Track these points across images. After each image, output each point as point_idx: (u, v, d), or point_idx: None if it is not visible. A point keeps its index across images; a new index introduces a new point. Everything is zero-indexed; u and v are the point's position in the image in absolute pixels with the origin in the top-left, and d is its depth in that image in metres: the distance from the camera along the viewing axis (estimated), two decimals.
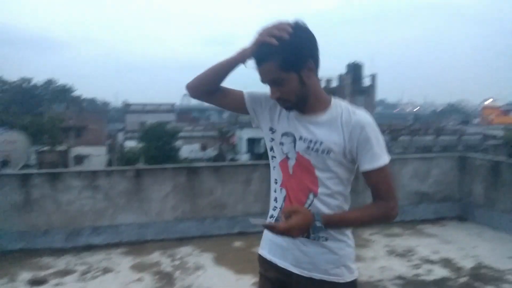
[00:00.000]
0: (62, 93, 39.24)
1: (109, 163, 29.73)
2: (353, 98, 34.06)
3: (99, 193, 5.11)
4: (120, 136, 38.90)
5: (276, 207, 1.53)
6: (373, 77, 36.36)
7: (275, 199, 1.55)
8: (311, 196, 1.44)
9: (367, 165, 1.38)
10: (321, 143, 1.39)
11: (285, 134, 1.47)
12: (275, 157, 1.53)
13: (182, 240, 5.21)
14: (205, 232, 5.42)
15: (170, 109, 44.80)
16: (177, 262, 4.55)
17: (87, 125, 33.62)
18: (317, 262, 1.46)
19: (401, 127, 31.92)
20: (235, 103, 1.58)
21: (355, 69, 35.95)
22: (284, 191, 1.51)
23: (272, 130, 1.52)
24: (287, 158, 1.48)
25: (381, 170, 1.38)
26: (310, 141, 1.41)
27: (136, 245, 5.06)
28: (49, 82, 39.48)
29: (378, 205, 1.42)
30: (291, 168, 1.47)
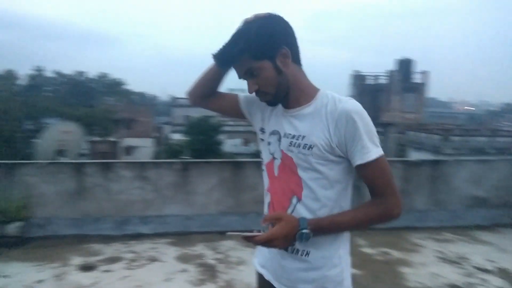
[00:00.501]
0: (114, 87, 41.00)
1: (156, 155, 30.74)
2: (403, 95, 32.86)
3: (148, 184, 5.25)
4: (167, 129, 40.08)
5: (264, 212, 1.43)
6: (425, 74, 34.83)
7: (265, 206, 1.45)
8: (294, 200, 1.30)
9: (358, 160, 1.21)
10: (303, 137, 1.26)
11: (272, 132, 1.38)
12: (262, 159, 1.44)
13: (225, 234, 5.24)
14: (247, 227, 5.35)
15: None
16: (220, 256, 4.59)
17: (136, 118, 34.88)
18: (295, 279, 1.31)
19: (452, 127, 30.40)
20: (232, 106, 1.51)
21: (405, 65, 34.58)
22: (269, 196, 1.40)
23: (262, 130, 1.43)
24: (274, 158, 1.37)
25: (375, 163, 1.21)
26: (293, 136, 1.29)
27: (181, 236, 5.17)
28: (101, 76, 41.39)
29: (376, 203, 1.23)
30: (276, 169, 1.36)
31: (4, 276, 3.98)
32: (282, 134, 1.33)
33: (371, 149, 1.20)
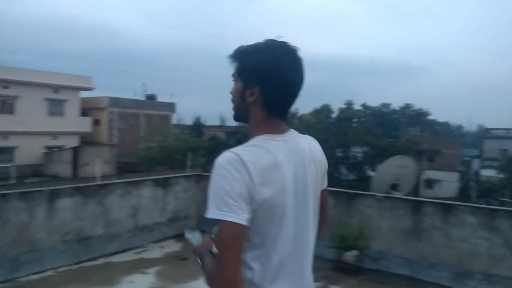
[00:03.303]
0: (418, 117, 40.34)
1: (461, 191, 27.71)
2: None
3: (497, 236, 4.37)
4: (475, 163, 35.71)
5: None
6: None
7: None
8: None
9: None
10: None
11: None
12: None
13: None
14: None
15: None
16: None
17: (440, 149, 32.83)
18: None
19: None
20: None
21: None
22: None
23: None
24: None
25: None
26: None
27: None
28: (406, 107, 41.62)
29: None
30: None
31: None
32: None
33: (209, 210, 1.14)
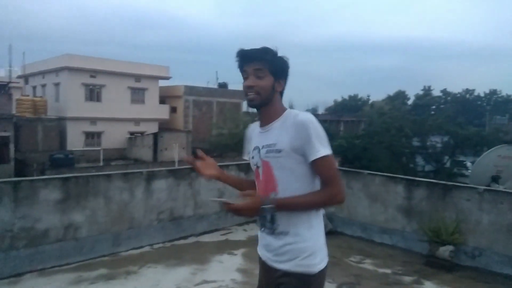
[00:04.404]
0: (505, 104, 36.79)
1: None
2: None
3: None
4: None
5: None
6: None
7: None
8: (272, 195, 1.75)
9: (310, 157, 1.68)
10: (274, 144, 1.74)
11: (254, 148, 1.86)
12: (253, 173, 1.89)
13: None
14: None
15: None
16: None
17: None
18: (276, 254, 1.77)
19: None
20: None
21: None
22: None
23: (249, 153, 1.92)
24: (257, 167, 1.83)
25: (322, 160, 1.67)
26: (269, 145, 1.77)
27: None
28: (492, 93, 38.12)
29: (324, 190, 1.72)
30: (260, 174, 1.82)
31: None
32: (260, 147, 1.81)
33: (319, 150, 1.67)
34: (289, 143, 1.70)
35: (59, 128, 23.83)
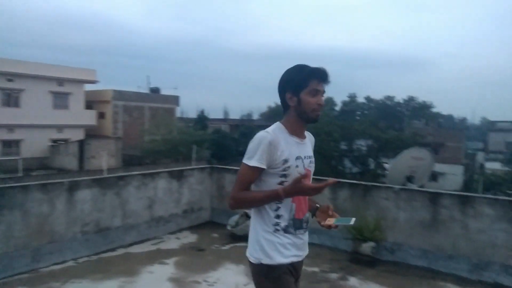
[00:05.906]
0: (421, 110, 40.25)
1: (465, 185, 27.71)
2: None
3: None
4: (480, 156, 35.71)
5: (280, 215, 1.96)
6: None
7: (277, 209, 1.96)
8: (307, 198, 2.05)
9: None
10: (310, 156, 2.06)
11: (297, 158, 1.96)
12: (287, 181, 1.93)
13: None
14: None
15: None
16: None
17: (444, 142, 32.77)
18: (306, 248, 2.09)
19: None
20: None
21: None
22: (292, 203, 1.97)
23: (285, 161, 1.92)
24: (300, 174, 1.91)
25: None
26: (310, 156, 2.05)
27: None
28: (409, 100, 41.50)
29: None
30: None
31: None
32: (303, 157, 1.99)
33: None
34: (313, 155, 2.11)
35: None
